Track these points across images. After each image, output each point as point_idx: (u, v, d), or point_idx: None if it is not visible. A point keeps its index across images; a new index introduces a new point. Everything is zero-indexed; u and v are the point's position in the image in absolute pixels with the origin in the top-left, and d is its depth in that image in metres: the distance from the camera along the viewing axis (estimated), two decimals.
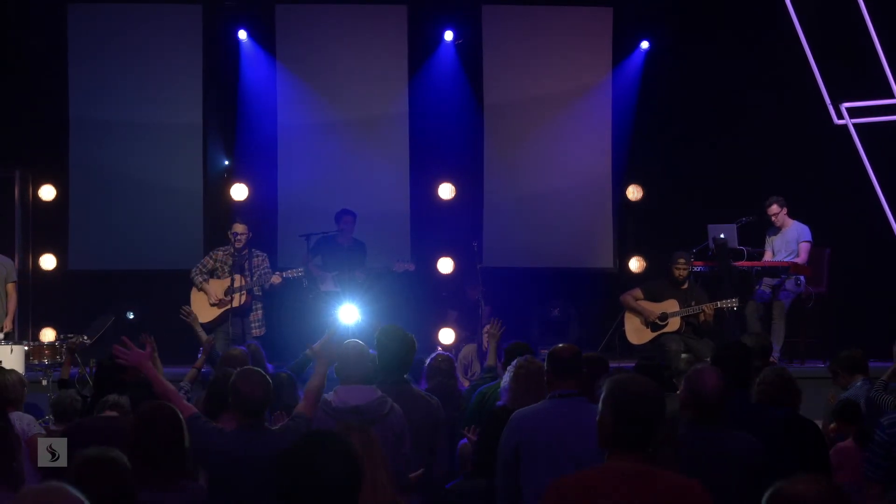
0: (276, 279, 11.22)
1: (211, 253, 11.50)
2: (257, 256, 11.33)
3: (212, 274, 11.32)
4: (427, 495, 6.30)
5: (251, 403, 5.35)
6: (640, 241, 14.14)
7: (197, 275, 11.35)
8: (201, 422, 5.42)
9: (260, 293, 11.33)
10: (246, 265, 11.18)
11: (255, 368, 5.62)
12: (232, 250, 11.27)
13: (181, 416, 5.02)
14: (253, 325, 11.27)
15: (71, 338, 10.08)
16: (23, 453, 5.76)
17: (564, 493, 3.68)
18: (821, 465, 5.87)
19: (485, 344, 11.59)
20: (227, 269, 11.27)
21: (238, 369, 5.75)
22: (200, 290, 11.30)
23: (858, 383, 7.99)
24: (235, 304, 11.07)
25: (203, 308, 11.14)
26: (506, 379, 6.46)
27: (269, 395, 5.43)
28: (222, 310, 11.13)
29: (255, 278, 11.17)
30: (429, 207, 14.02)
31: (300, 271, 11.49)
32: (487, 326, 11.68)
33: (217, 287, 11.23)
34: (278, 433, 5.41)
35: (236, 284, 11.07)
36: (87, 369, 10.25)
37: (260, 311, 11.39)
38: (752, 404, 5.85)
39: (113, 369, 7.32)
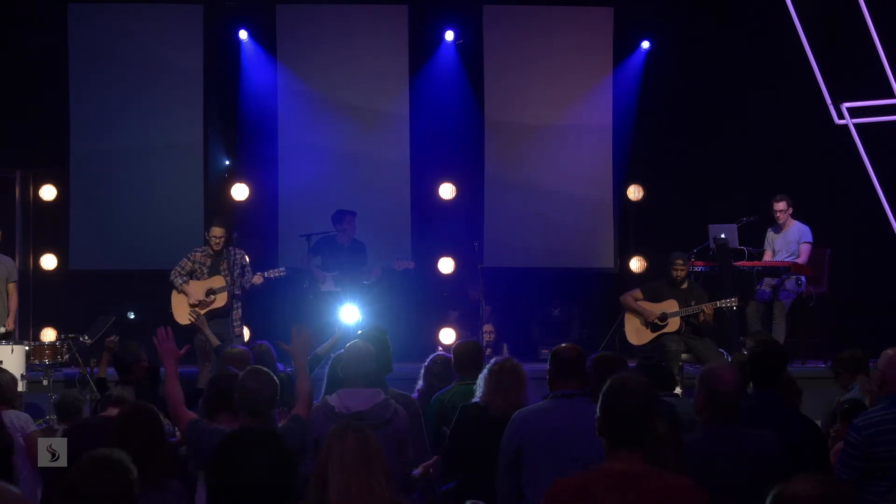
0: (257, 279, 11.16)
1: (188, 254, 11.26)
2: (237, 254, 11.20)
3: (191, 275, 11.16)
4: (418, 493, 6.32)
5: (258, 402, 5.34)
6: (641, 241, 14.13)
7: (176, 277, 11.15)
8: (202, 425, 5.42)
9: (240, 292, 11.21)
10: (224, 265, 11.10)
11: (264, 368, 5.60)
12: (210, 251, 11.19)
13: (160, 416, 5.03)
14: (234, 324, 11.20)
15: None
16: (17, 451, 5.77)
17: (560, 495, 3.71)
18: (821, 465, 5.87)
19: (484, 341, 11.64)
20: (205, 270, 11.17)
21: (248, 368, 5.73)
22: (181, 292, 11.12)
23: (858, 384, 7.98)
24: (218, 304, 11.01)
25: (184, 310, 11.02)
26: (481, 376, 6.46)
27: (274, 396, 5.41)
28: (204, 311, 11.01)
29: (235, 277, 11.08)
30: (429, 207, 14.02)
31: (282, 271, 11.43)
32: (486, 326, 11.72)
33: (197, 288, 11.11)
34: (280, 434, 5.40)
35: (217, 285, 11.00)
36: (88, 369, 10.25)
37: (240, 311, 11.30)
38: (778, 404, 5.83)
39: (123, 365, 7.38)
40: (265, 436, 3.45)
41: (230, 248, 11.15)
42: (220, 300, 10.99)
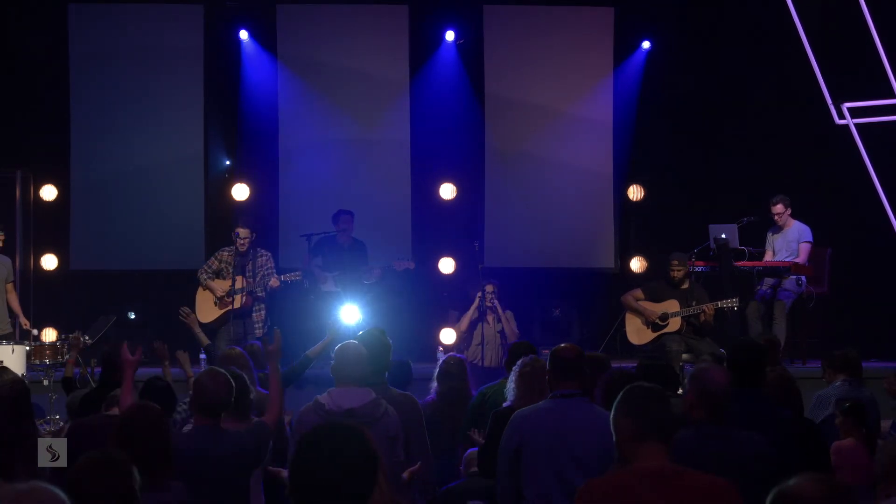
0: (274, 283, 11.23)
1: (216, 253, 11.56)
2: (261, 256, 11.36)
3: (217, 274, 11.40)
4: (419, 492, 6.32)
5: (211, 402, 5.41)
6: (642, 241, 14.12)
7: (202, 274, 11.44)
8: None
9: (262, 294, 11.33)
10: (249, 266, 11.21)
11: (219, 369, 5.66)
12: (235, 251, 11.30)
13: (164, 416, 5.04)
14: (255, 325, 11.27)
15: (73, 335, 10.07)
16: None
17: (596, 495, 3.69)
18: (822, 466, 5.85)
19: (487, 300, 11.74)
20: (231, 269, 11.29)
21: (207, 368, 5.81)
22: (206, 288, 11.36)
23: (838, 383, 7.99)
24: (236, 305, 11.09)
25: (206, 308, 11.15)
26: (511, 379, 6.49)
27: (229, 397, 5.46)
28: (223, 311, 11.14)
29: (257, 279, 11.19)
30: (430, 207, 14.01)
31: (298, 275, 11.49)
32: (488, 287, 11.81)
33: (220, 287, 11.26)
34: (234, 434, 5.42)
35: (237, 286, 11.10)
36: (88, 369, 10.25)
37: (262, 312, 11.40)
38: (763, 404, 5.81)
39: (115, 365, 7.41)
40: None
41: (257, 250, 11.29)
42: (238, 301, 11.09)
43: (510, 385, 6.51)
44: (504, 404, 6.55)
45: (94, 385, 9.15)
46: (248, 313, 11.27)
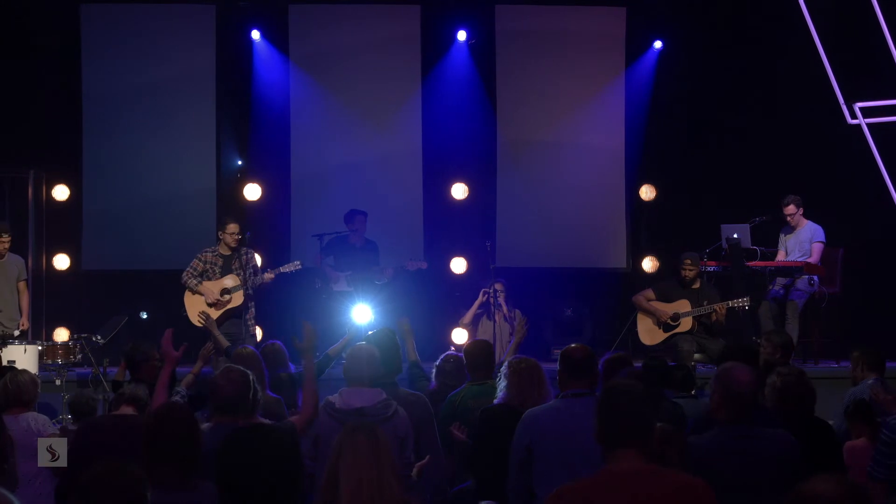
0: (268, 276, 11.12)
1: (199, 255, 11.19)
2: (246, 253, 11.17)
3: (202, 276, 11.13)
4: (431, 493, 6.32)
5: (226, 402, 5.42)
6: (654, 240, 14.11)
7: (190, 278, 11.08)
8: None
9: (251, 291, 11.17)
10: (236, 264, 11.05)
11: (238, 367, 5.65)
12: (220, 251, 11.14)
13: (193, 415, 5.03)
14: (248, 323, 11.18)
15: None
16: (17, 455, 5.78)
17: (566, 499, 3.70)
18: (835, 466, 5.84)
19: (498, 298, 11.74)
20: (217, 269, 11.12)
21: (224, 366, 5.81)
22: (195, 292, 11.05)
23: (870, 381, 7.96)
24: (234, 303, 10.97)
25: (198, 311, 10.96)
26: (502, 377, 6.47)
27: (244, 395, 5.45)
28: (220, 311, 10.99)
29: (247, 275, 11.05)
30: (442, 207, 14.02)
31: (297, 265, 11.40)
32: (497, 284, 11.79)
33: (212, 288, 11.07)
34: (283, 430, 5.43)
35: (232, 284, 10.96)
36: (101, 369, 10.28)
37: (253, 310, 11.28)
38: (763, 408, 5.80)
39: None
40: (268, 431, 3.47)
41: (241, 248, 11.13)
42: (236, 299, 10.96)
43: (501, 383, 6.48)
44: (495, 401, 6.52)
45: (106, 385, 9.19)
46: (243, 311, 11.14)
